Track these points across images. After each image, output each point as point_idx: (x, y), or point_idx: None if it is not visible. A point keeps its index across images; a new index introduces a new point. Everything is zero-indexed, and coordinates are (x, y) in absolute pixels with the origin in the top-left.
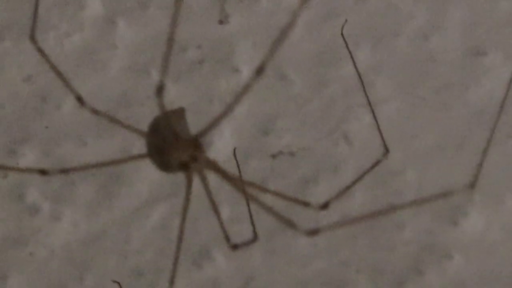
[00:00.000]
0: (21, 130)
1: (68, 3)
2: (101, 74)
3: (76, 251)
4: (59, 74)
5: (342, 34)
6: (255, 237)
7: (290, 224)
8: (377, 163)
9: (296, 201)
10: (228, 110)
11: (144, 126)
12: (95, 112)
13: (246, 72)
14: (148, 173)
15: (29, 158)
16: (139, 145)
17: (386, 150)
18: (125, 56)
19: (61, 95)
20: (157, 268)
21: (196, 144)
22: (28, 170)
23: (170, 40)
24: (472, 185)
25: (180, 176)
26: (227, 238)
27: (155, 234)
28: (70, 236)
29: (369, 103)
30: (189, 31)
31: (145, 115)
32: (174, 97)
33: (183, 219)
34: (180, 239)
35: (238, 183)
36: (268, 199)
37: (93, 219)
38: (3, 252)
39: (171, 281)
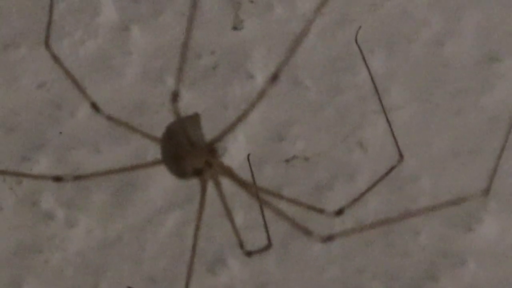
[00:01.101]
0: (35, 136)
1: (82, 10)
2: (116, 81)
3: (90, 258)
4: (73, 80)
5: (356, 40)
6: (269, 245)
7: (305, 230)
8: (391, 169)
9: (310, 207)
10: (242, 116)
11: (159, 132)
12: (110, 118)
13: (260, 78)
14: (163, 180)
15: (43, 164)
16: (154, 152)
17: (401, 156)
18: (140, 63)
19: (75, 101)
20: (171, 275)
21: (211, 150)
22: (43, 177)
23: (185, 47)
24: (486, 191)
25: (194, 183)
26: (241, 245)
27: (169, 241)
28: (85, 243)
29: (384, 110)
30: (203, 37)
31: (159, 121)
32: (188, 103)
33: (198, 225)
34: (194, 245)
35: (252, 189)
36: (282, 205)
37: (108, 226)
38: (18, 259)
39: (186, 286)
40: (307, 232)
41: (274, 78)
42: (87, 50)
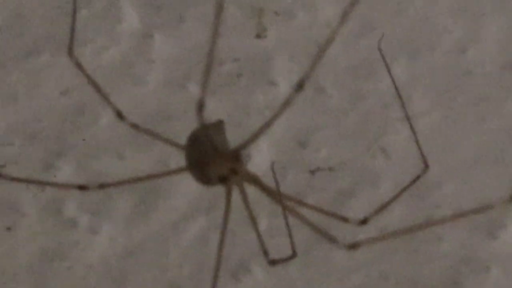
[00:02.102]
0: (58, 143)
1: (105, 17)
2: (138, 88)
3: (114, 265)
4: (97, 88)
5: (379, 47)
6: (294, 254)
7: (330, 238)
8: (417, 178)
9: (335, 216)
10: (267, 125)
11: (182, 139)
12: (134, 126)
13: (283, 85)
14: (186, 187)
15: (66, 171)
16: (177, 159)
17: (426, 165)
18: (162, 70)
19: (98, 108)
20: (195, 282)
21: (236, 157)
22: (68, 186)
23: (210, 57)
24: (510, 198)
25: (217, 190)
26: (265, 253)
27: (193, 248)
28: (108, 250)
29: (407, 117)
30: (226, 45)
31: (182, 128)
32: (211, 110)
33: (223, 232)
34: (220, 252)
35: (276, 196)
36: (305, 212)
37: (131, 233)
38: (41, 266)
39: None
40: (332, 240)
41: (299, 87)
42: (110, 57)
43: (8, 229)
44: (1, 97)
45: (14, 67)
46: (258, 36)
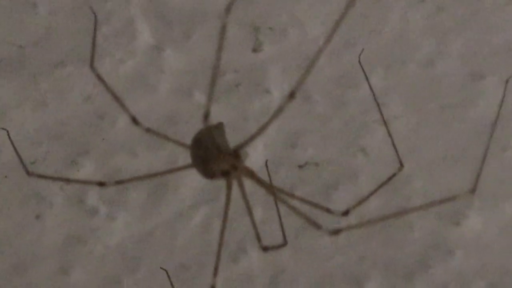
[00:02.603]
0: (81, 143)
1: (122, 33)
2: (151, 96)
3: (129, 248)
4: (114, 96)
5: (359, 61)
6: (284, 242)
7: (315, 225)
8: (392, 176)
9: (320, 207)
10: (263, 127)
11: (188, 140)
12: (148, 130)
13: (276, 94)
14: (191, 181)
15: (88, 168)
16: (184, 157)
17: (401, 165)
18: (172, 80)
19: (116, 113)
20: (200, 262)
21: (235, 155)
22: (89, 182)
23: (214, 76)
24: (472, 191)
25: (218, 183)
26: (259, 240)
27: (198, 234)
28: (124, 235)
29: (383, 120)
30: (227, 58)
31: (189, 130)
32: (214, 115)
33: (224, 220)
34: (221, 237)
35: (270, 189)
36: (295, 203)
37: (144, 221)
38: (66, 249)
39: (215, 272)
40: (317, 226)
41: (291, 96)
42: (126, 68)
43: (37, 217)
44: (32, 103)
45: (43, 77)
46: (255, 50)
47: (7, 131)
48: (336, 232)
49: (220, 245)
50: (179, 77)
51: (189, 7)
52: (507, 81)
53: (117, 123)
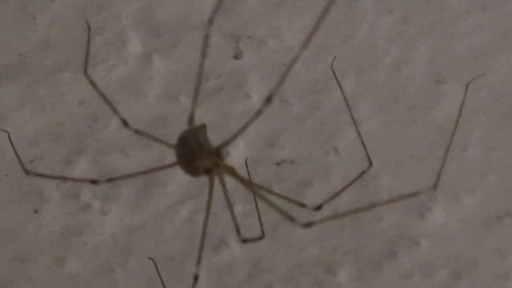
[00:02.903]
0: (76, 143)
1: (114, 42)
2: (140, 100)
3: (120, 240)
4: (107, 100)
5: (331, 67)
6: (262, 235)
7: (290, 218)
8: (362, 173)
9: (295, 202)
10: (243, 128)
11: (174, 140)
12: (137, 132)
13: (255, 97)
14: (178, 178)
15: (82, 166)
16: (171, 156)
17: (370, 163)
18: (160, 86)
19: (108, 115)
20: (185, 253)
21: (217, 153)
22: (82, 180)
23: (198, 84)
24: (434, 186)
25: (203, 180)
26: (238, 233)
27: (183, 226)
28: (116, 228)
29: (354, 121)
30: (210, 65)
31: (175, 132)
32: (198, 117)
33: (207, 214)
34: (204, 229)
35: (249, 185)
36: (272, 198)
37: (134, 215)
38: (63, 241)
39: (198, 261)
40: (292, 219)
41: (269, 100)
42: (118, 75)
43: (36, 211)
44: (31, 106)
45: (41, 83)
46: (236, 57)
47: (8, 133)
48: (308, 224)
49: (203, 237)
50: (166, 83)
51: (176, 19)
52: (467, 86)
53: (109, 125)
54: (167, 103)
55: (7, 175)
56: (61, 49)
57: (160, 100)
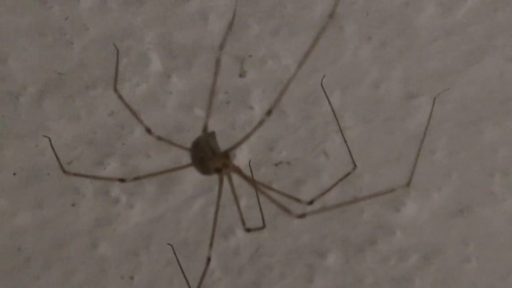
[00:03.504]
0: (107, 148)
1: (138, 63)
2: (161, 111)
3: (144, 229)
4: (132, 112)
5: (321, 84)
6: (263, 225)
7: (287, 210)
8: (347, 174)
9: (291, 197)
10: (247, 136)
11: (189, 145)
12: (158, 138)
13: (257, 109)
14: (192, 176)
15: (112, 166)
16: (186, 158)
17: (354, 165)
18: (177, 99)
19: (133, 125)
20: (198, 240)
21: (226, 156)
22: (112, 179)
23: (211, 93)
24: (408, 184)
25: (213, 178)
26: (243, 223)
27: (196, 218)
28: (140, 219)
29: (340, 130)
30: (219, 82)
31: (190, 138)
32: (209, 126)
33: (217, 206)
34: (215, 220)
35: (252, 182)
36: (272, 193)
37: (155, 207)
38: (95, 229)
39: (210, 245)
40: (288, 212)
41: (269, 112)
42: (142, 90)
43: (73, 205)
44: (69, 116)
45: (78, 97)
46: (241, 75)
47: (49, 139)
48: (302, 216)
49: (214, 226)
50: (183, 97)
51: (191, 43)
52: (434, 99)
53: (134, 132)
54: (183, 114)
55: (48, 174)
56: (94, 68)
57: (177, 111)
